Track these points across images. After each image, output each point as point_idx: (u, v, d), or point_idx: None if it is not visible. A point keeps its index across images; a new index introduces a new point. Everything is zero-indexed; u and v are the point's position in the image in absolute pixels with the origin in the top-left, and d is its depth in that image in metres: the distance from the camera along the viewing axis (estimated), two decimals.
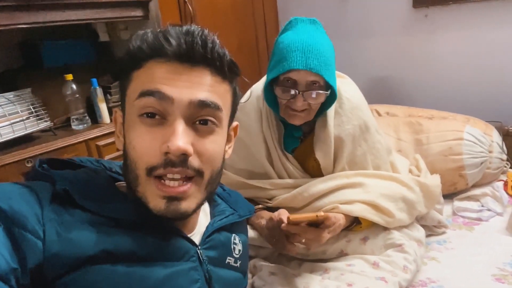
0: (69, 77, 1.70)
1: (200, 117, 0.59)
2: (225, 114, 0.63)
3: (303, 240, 0.96)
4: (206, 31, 0.60)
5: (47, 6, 1.47)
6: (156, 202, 0.58)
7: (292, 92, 1.00)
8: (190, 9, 1.98)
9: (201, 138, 0.59)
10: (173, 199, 0.58)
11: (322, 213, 0.90)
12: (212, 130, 0.61)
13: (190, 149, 0.56)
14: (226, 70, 0.62)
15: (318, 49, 0.98)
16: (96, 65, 1.96)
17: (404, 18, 2.15)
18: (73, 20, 1.57)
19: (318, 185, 1.11)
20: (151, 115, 0.58)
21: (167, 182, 0.58)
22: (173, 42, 0.58)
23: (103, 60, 2.02)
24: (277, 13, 2.62)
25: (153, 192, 0.58)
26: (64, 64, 1.78)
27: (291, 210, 1.13)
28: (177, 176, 0.58)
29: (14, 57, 1.73)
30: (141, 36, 0.60)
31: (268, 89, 1.08)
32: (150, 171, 0.57)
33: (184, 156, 0.57)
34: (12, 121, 1.49)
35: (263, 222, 1.06)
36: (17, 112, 1.52)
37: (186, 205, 0.60)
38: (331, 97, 1.06)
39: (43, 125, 1.61)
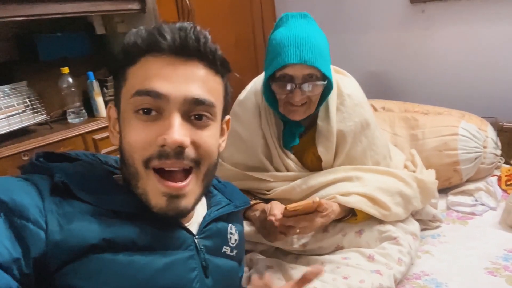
0: (65, 70, 1.69)
1: (195, 112, 0.61)
2: (218, 109, 0.65)
3: (297, 230, 0.97)
4: (198, 27, 0.62)
5: None
6: (157, 199, 0.60)
7: (289, 86, 1.01)
8: (188, 3, 1.97)
9: (197, 131, 0.61)
10: (173, 197, 0.60)
11: (317, 199, 0.92)
12: (207, 124, 0.63)
13: (186, 141, 0.58)
14: (218, 64, 0.64)
15: (311, 41, 0.99)
16: (93, 58, 1.95)
17: (401, 13, 2.15)
18: (70, 13, 1.57)
19: (317, 178, 1.13)
20: (147, 111, 0.59)
21: (166, 176, 0.60)
22: (168, 36, 0.59)
23: (99, 53, 2.01)
24: (274, 8, 2.61)
25: (154, 188, 0.60)
26: (60, 57, 1.77)
27: (288, 202, 1.14)
28: (174, 168, 0.59)
29: (10, 49, 1.72)
30: (135, 33, 0.62)
31: (267, 87, 1.08)
32: (147, 163, 0.59)
33: (180, 149, 0.58)
34: (8, 114, 1.49)
35: (257, 214, 1.07)
36: (13, 105, 1.51)
37: (186, 202, 0.62)
38: (328, 88, 1.07)
39: (39, 118, 1.60)
